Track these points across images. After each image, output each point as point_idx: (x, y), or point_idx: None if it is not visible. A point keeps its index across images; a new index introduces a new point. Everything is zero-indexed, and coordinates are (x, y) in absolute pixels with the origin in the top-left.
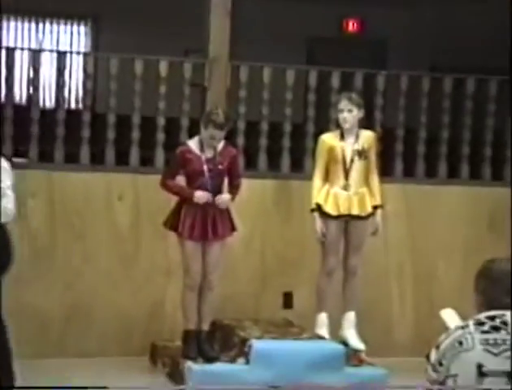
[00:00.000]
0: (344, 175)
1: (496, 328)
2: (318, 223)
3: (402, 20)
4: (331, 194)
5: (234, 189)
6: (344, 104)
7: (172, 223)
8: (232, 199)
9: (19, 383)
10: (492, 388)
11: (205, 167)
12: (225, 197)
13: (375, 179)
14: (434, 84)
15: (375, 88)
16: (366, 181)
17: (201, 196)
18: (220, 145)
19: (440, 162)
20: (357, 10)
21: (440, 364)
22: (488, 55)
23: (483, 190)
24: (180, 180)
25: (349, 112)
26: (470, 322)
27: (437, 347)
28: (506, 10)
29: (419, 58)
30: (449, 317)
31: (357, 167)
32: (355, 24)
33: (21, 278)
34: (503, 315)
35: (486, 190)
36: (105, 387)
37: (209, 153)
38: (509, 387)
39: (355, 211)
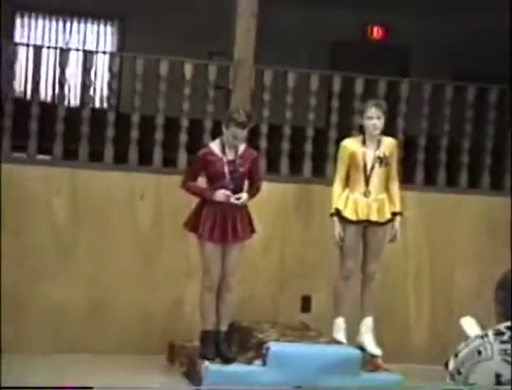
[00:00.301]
0: (364, 181)
1: None
2: (337, 227)
3: (426, 28)
4: (351, 199)
5: (253, 191)
6: (374, 111)
7: (193, 224)
8: (250, 198)
9: (30, 377)
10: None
11: (226, 169)
12: (243, 195)
13: (395, 186)
14: (457, 92)
15: (399, 96)
16: (387, 188)
17: (221, 194)
18: (242, 148)
19: (461, 171)
20: (382, 16)
21: (459, 373)
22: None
23: (503, 200)
24: (202, 182)
25: (378, 119)
26: (490, 332)
27: (456, 355)
28: None
29: (443, 65)
30: (469, 325)
31: (377, 174)
32: (379, 31)
33: (44, 272)
34: None
35: (506, 200)
36: (90, 388)
37: (230, 156)
38: None
39: (374, 217)
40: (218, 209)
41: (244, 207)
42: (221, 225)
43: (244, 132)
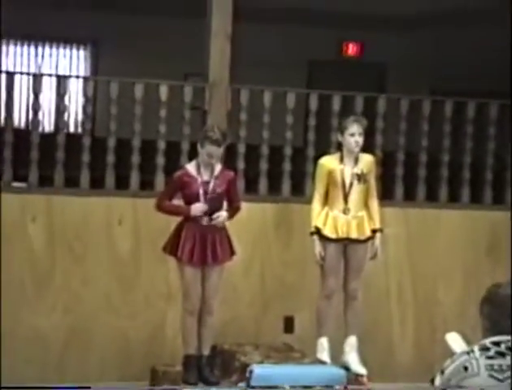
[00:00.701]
0: (343, 198)
1: (501, 354)
2: (317, 246)
3: (402, 44)
4: (330, 217)
5: (232, 210)
6: (355, 128)
7: (172, 247)
8: (229, 218)
9: None
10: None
11: (201, 190)
12: (222, 213)
13: (374, 202)
14: (434, 107)
15: (376, 112)
16: (366, 205)
17: (197, 207)
18: (217, 169)
19: (441, 185)
20: (357, 33)
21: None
22: (488, 79)
23: (484, 214)
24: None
25: (359, 136)
26: (476, 348)
27: (442, 372)
28: (506, 35)
29: (419, 81)
30: (454, 341)
31: (356, 191)
32: (354, 48)
33: (21, 301)
34: (508, 341)
35: (486, 214)
36: (88, 387)
37: (206, 176)
38: None
39: (354, 235)
40: (197, 231)
41: (223, 229)
42: (200, 248)
43: (219, 151)
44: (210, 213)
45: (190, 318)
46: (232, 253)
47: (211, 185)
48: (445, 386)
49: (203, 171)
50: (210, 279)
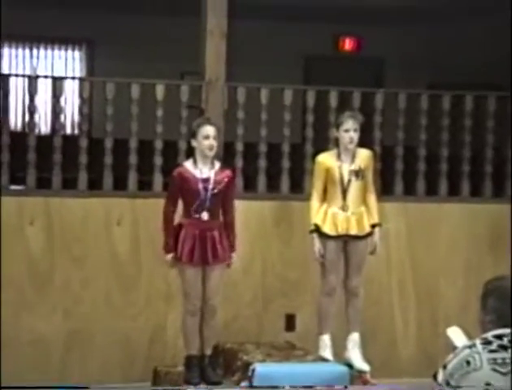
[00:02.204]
0: (341, 195)
1: (503, 347)
2: (317, 243)
3: (399, 38)
4: (329, 214)
5: (230, 228)
6: (351, 123)
7: (171, 247)
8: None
9: None
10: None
11: (200, 187)
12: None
13: (372, 198)
14: (432, 101)
15: (374, 107)
16: (364, 200)
17: (167, 259)
18: (217, 166)
19: (441, 179)
20: (354, 28)
21: (448, 384)
22: (486, 72)
23: (484, 207)
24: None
25: (354, 132)
26: (478, 342)
27: (444, 367)
28: (504, 27)
29: (417, 75)
30: (456, 335)
31: (354, 187)
32: (352, 43)
33: (21, 304)
34: (510, 334)
35: (487, 207)
36: (86, 388)
37: (205, 174)
38: None
39: (353, 231)
40: (196, 231)
41: (222, 227)
42: (200, 247)
43: (214, 131)
44: (209, 211)
45: (191, 319)
46: (232, 250)
47: (211, 182)
48: (447, 381)
49: (201, 167)
50: (211, 278)
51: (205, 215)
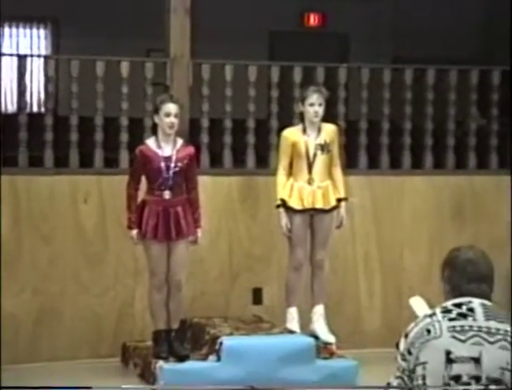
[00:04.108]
0: (307, 169)
1: (463, 315)
2: (284, 218)
3: (364, 13)
4: (296, 188)
5: (196, 204)
6: (315, 98)
7: (135, 223)
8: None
9: None
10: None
11: (162, 165)
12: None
13: (338, 172)
14: (395, 75)
15: (337, 82)
16: (330, 175)
17: (132, 236)
18: (179, 143)
19: (404, 152)
20: (318, 3)
21: (409, 353)
22: (448, 45)
23: (447, 179)
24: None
25: (319, 106)
26: (438, 310)
27: (406, 336)
28: (466, 1)
29: (382, 50)
30: (418, 305)
31: (320, 161)
32: (316, 18)
33: None
34: (469, 302)
35: (450, 179)
36: (89, 388)
37: (167, 151)
38: (476, 372)
39: (319, 205)
40: (159, 207)
41: (186, 203)
42: (164, 223)
43: (176, 108)
44: (171, 189)
45: (158, 294)
46: (197, 226)
47: (173, 159)
48: (408, 349)
49: (164, 145)
50: (175, 253)
51: (167, 194)
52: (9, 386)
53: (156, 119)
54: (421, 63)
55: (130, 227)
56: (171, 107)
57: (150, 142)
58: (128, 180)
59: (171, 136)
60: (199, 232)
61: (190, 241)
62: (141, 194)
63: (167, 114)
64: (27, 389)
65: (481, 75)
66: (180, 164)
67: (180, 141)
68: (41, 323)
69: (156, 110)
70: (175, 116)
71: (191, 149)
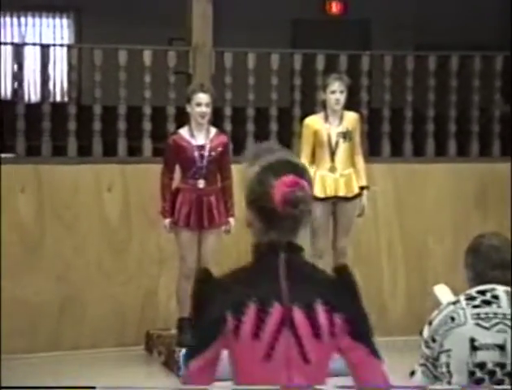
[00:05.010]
0: (330, 157)
1: (487, 302)
2: None
3: (385, 0)
4: (318, 177)
5: (229, 192)
6: (337, 85)
7: (168, 211)
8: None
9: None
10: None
11: (196, 154)
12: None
13: (360, 160)
14: (419, 62)
15: (360, 69)
16: (352, 163)
17: (165, 224)
18: (212, 132)
19: (427, 140)
20: None
21: (433, 340)
22: (472, 32)
23: (470, 166)
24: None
25: (341, 93)
26: (462, 298)
27: (430, 323)
28: None
29: (404, 37)
30: (442, 293)
31: (342, 149)
32: (338, 6)
33: (13, 272)
34: (493, 289)
35: (473, 166)
36: (93, 388)
37: (200, 141)
38: (500, 359)
39: (342, 193)
40: (193, 196)
41: (219, 192)
42: (196, 212)
43: (208, 98)
44: (205, 178)
45: (186, 282)
46: (229, 215)
47: (207, 148)
48: (432, 337)
49: (197, 134)
50: (206, 242)
51: (201, 183)
52: (9, 386)
53: (188, 109)
54: (444, 50)
55: (164, 216)
56: (202, 97)
57: (183, 131)
58: (163, 169)
59: (203, 125)
60: (232, 221)
61: (223, 230)
62: (176, 181)
63: (198, 104)
64: (27, 389)
65: (505, 61)
66: (213, 153)
67: (213, 130)
68: (64, 312)
69: (188, 100)
70: (207, 106)
71: (224, 138)
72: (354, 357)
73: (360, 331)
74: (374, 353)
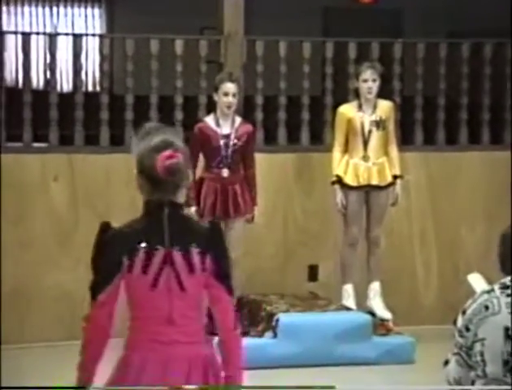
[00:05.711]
0: (363, 146)
1: None
2: (339, 194)
3: None
4: (351, 165)
5: (253, 183)
6: (369, 73)
7: (194, 200)
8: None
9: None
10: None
11: (221, 143)
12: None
13: (393, 149)
14: (451, 50)
15: (393, 57)
16: (386, 151)
17: (190, 212)
18: (237, 122)
19: (461, 128)
20: None
21: (467, 329)
22: (505, 19)
23: (504, 154)
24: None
25: (373, 82)
26: (496, 287)
27: (463, 312)
28: None
29: (436, 24)
30: (476, 281)
31: (375, 138)
32: None
33: (45, 259)
34: None
35: (507, 154)
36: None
37: (225, 129)
38: None
39: (375, 181)
40: (218, 185)
41: (244, 181)
42: (222, 201)
43: (235, 88)
44: (229, 167)
45: None
46: (254, 204)
47: (232, 137)
48: (466, 326)
49: (222, 123)
50: (232, 231)
51: (225, 172)
52: (9, 386)
53: (215, 97)
54: (477, 37)
55: (188, 205)
56: (230, 87)
57: (209, 120)
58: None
59: (229, 114)
60: (256, 210)
61: (247, 219)
62: (199, 170)
63: (226, 94)
64: (26, 389)
65: None
66: (238, 142)
67: (238, 119)
68: None
69: (215, 89)
70: (234, 96)
71: (249, 127)
72: (214, 293)
73: (221, 272)
74: (228, 290)
